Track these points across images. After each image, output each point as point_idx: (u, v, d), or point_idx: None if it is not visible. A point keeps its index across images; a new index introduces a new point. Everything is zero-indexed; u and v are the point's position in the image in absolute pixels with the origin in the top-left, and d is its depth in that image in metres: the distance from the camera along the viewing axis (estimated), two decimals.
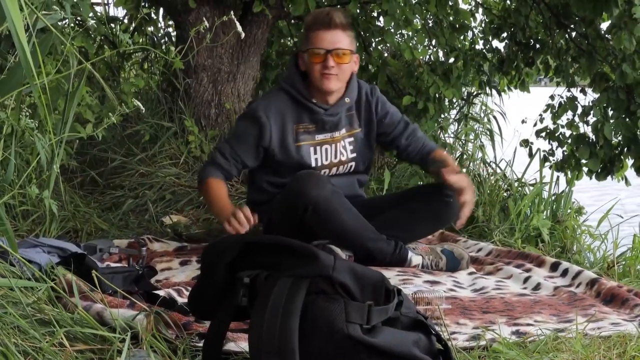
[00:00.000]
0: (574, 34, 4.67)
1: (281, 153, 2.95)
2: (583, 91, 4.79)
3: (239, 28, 2.15)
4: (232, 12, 2.22)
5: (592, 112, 4.45)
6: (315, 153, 2.99)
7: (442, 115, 4.99)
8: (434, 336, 1.68)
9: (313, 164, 2.98)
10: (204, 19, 4.00)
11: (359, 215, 2.85)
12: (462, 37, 5.08)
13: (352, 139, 3.06)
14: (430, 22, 4.93)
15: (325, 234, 2.77)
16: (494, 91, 5.59)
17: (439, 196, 3.00)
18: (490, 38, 5.08)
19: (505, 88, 5.61)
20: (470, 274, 2.85)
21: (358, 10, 4.60)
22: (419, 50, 4.63)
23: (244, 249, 1.66)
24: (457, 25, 4.76)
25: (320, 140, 3.00)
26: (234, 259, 1.66)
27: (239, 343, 1.79)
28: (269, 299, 1.52)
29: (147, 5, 4.25)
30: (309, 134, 2.98)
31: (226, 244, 1.70)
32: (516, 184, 4.09)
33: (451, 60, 4.79)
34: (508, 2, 5.03)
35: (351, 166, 3.08)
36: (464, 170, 4.53)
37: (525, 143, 4.73)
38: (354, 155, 3.07)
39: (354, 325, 1.52)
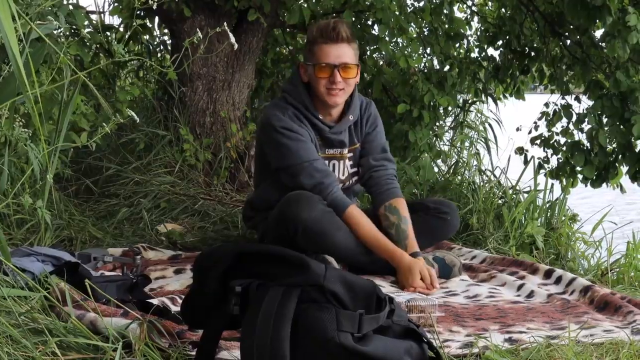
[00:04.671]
0: (568, 42, 4.69)
1: None
2: (577, 99, 4.80)
3: (232, 40, 2.15)
4: (225, 24, 2.22)
5: (586, 119, 4.45)
6: None
7: (438, 123, 5.00)
8: (426, 344, 1.69)
9: None
10: (198, 28, 4.01)
11: (351, 232, 2.83)
12: (457, 45, 5.09)
13: (351, 154, 3.03)
14: (425, 30, 4.94)
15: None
16: (489, 99, 5.60)
17: (436, 212, 3.01)
18: (485, 46, 5.09)
19: (501, 96, 5.62)
20: (464, 281, 2.86)
21: (353, 19, 4.62)
22: (414, 59, 4.65)
23: (236, 258, 1.67)
24: (452, 34, 4.77)
25: (330, 155, 2.97)
26: (226, 268, 1.67)
27: (231, 351, 1.79)
28: (261, 307, 1.52)
29: (142, 14, 4.26)
30: (319, 148, 2.94)
31: (219, 253, 1.70)
32: (510, 192, 4.09)
33: (446, 68, 4.81)
34: (503, 10, 5.05)
35: (351, 182, 3.05)
36: (459, 177, 4.54)
37: (520, 150, 4.73)
38: (355, 170, 3.04)
39: (345, 333, 1.53)
